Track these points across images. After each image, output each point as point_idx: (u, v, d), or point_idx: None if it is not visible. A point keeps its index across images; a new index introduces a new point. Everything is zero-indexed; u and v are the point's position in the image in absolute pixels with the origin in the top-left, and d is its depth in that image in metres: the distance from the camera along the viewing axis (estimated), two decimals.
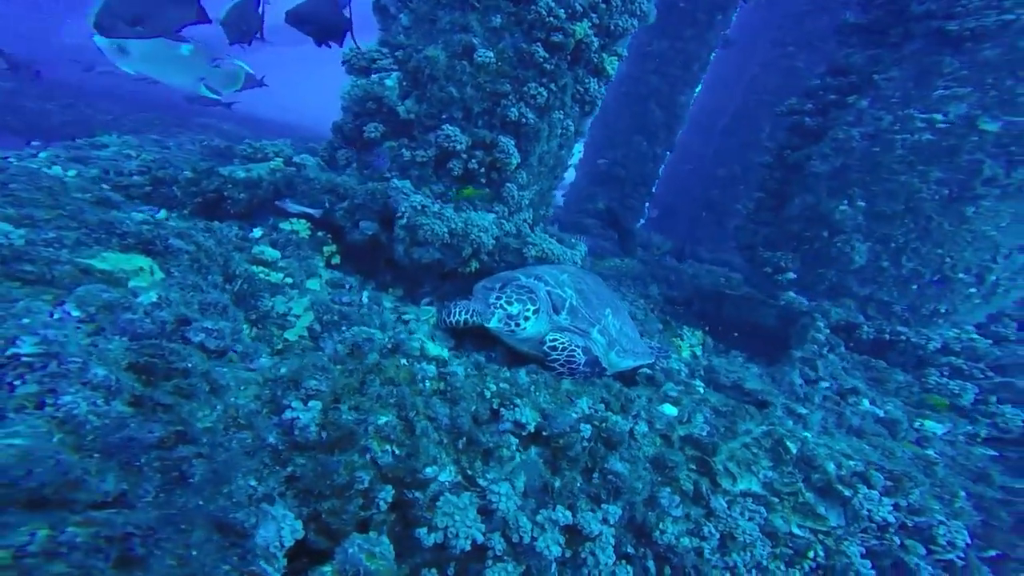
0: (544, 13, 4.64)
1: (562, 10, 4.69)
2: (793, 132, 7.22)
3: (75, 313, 2.44)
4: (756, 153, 11.65)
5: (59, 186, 4.00)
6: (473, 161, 4.94)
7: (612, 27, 5.01)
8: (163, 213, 4.49)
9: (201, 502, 1.93)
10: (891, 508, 3.75)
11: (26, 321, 2.26)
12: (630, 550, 3.27)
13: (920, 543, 3.90)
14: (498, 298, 4.02)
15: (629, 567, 3.19)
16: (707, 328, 6.36)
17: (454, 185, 5.07)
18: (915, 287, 6.38)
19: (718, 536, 3.32)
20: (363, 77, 5.36)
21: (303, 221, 5.03)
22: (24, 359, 1.94)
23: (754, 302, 6.39)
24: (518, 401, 3.40)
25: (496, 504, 2.94)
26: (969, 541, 3.97)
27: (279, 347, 3.56)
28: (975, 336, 6.46)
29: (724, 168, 11.62)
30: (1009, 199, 6.41)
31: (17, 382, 1.87)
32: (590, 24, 4.84)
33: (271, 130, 15.84)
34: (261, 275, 4.02)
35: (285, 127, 16.18)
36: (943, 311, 6.49)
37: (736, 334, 6.47)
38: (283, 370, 3.19)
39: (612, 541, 3.12)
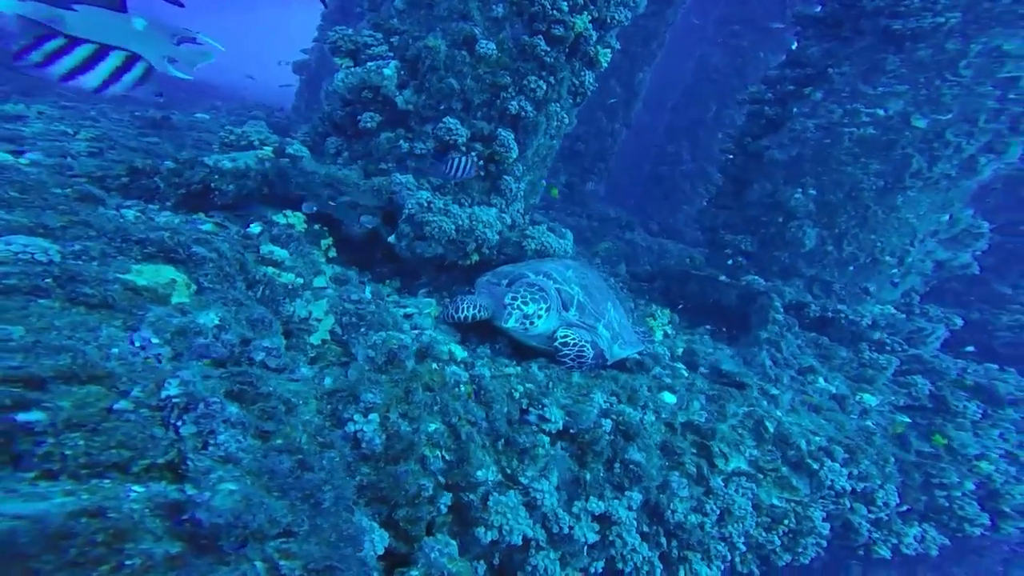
0: (548, 5, 4.64)
1: (564, 2, 4.70)
2: (753, 120, 7.68)
3: (155, 340, 2.41)
4: (704, 131, 12.22)
5: (33, 181, 3.66)
6: (472, 154, 4.95)
7: (608, 19, 5.09)
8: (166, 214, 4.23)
9: (329, 524, 2.05)
10: (847, 477, 4.43)
11: (115, 351, 2.23)
12: (646, 528, 3.70)
13: (863, 505, 4.66)
14: (513, 298, 4.19)
15: (645, 543, 3.62)
16: (678, 306, 6.87)
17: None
18: (851, 268, 7.19)
19: (718, 512, 3.82)
20: (348, 60, 5.15)
21: (299, 214, 4.88)
22: (175, 401, 1.98)
23: (716, 282, 6.95)
24: (545, 401, 3.66)
25: (540, 500, 3.23)
26: (898, 501, 4.79)
27: (312, 355, 3.56)
28: (894, 311, 7.41)
29: (673, 145, 12.11)
30: (928, 190, 7.25)
31: (179, 423, 1.93)
32: (589, 17, 4.89)
33: (206, 93, 14.48)
34: (276, 278, 3.94)
35: (224, 88, 14.88)
36: (871, 290, 7.37)
37: (701, 311, 7.04)
38: (328, 381, 3.25)
39: (635, 524, 3.53)
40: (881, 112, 7.14)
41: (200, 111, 11.25)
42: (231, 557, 1.65)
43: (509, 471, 3.41)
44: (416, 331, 4.11)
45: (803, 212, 7.03)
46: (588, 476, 3.52)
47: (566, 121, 5.36)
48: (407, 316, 4.76)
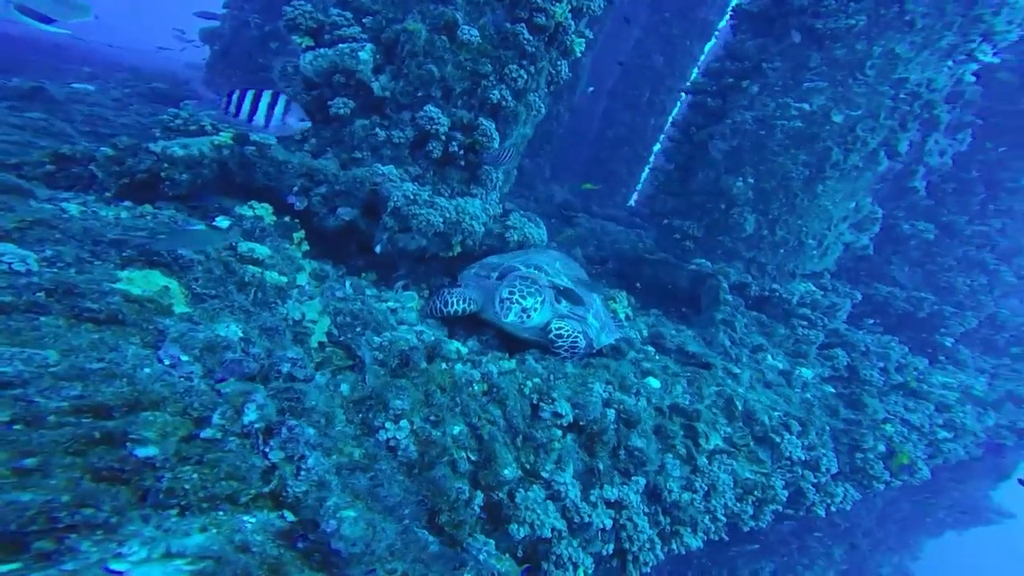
0: None
1: None
2: (696, 111, 8.09)
3: (184, 357, 2.20)
4: (639, 116, 12.65)
5: None
6: (453, 143, 4.83)
7: (583, 8, 5.12)
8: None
9: (413, 539, 2.03)
10: (800, 447, 4.96)
11: (148, 371, 2.02)
12: (647, 509, 3.95)
13: (810, 472, 5.24)
14: (511, 292, 4.20)
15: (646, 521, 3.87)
16: (637, 286, 7.21)
17: (432, 168, 4.93)
18: (782, 251, 7.90)
19: (705, 488, 4.16)
20: (308, 39, 4.79)
21: (266, 206, 4.52)
22: (256, 426, 1.85)
23: (669, 265, 7.36)
24: (555, 395, 3.76)
25: (564, 492, 3.35)
26: (837, 467, 5.44)
27: (318, 360, 3.37)
28: (814, 289, 8.27)
29: (612, 129, 12.44)
30: (843, 180, 8.08)
31: (267, 449, 1.87)
32: (569, 6, 4.89)
33: (68, 57, 12.65)
34: (264, 278, 3.65)
35: (91, 55, 13.08)
36: (796, 270, 8.16)
37: (652, 293, 7.44)
38: (344, 388, 3.13)
39: (642, 507, 3.76)
40: (807, 107, 7.79)
41: (74, 81, 9.77)
42: None
43: (528, 466, 3.48)
44: (416, 329, 4.02)
45: (743, 199, 7.59)
46: (601, 465, 3.68)
47: (542, 111, 5.36)
48: (392, 311, 4.63)
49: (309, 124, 3.51)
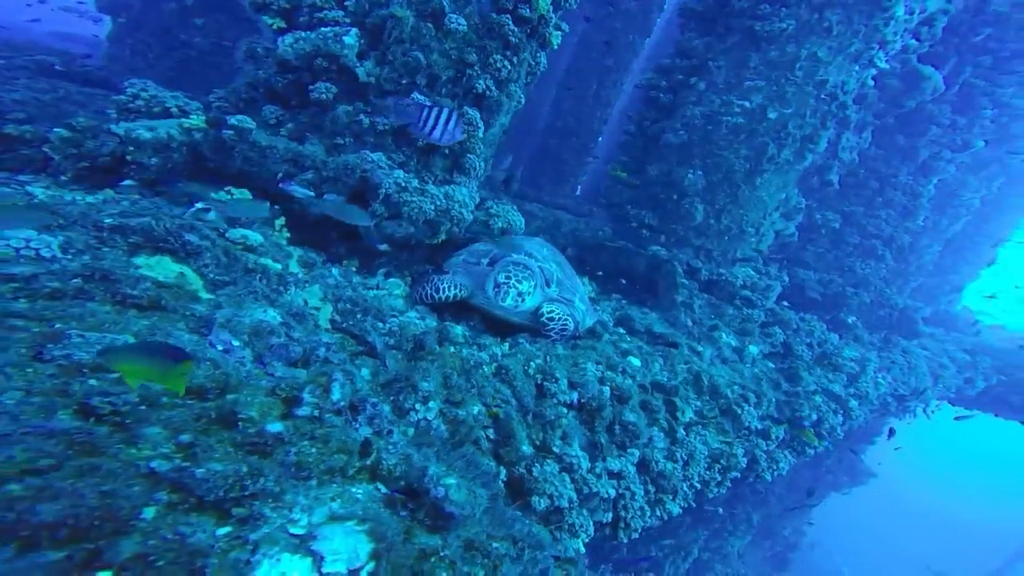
0: None
1: None
2: (649, 105, 8.50)
3: (236, 343, 2.18)
4: (587, 107, 13.00)
5: None
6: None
7: (561, 2, 5.26)
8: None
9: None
10: (756, 418, 5.48)
11: (212, 355, 1.99)
12: (639, 478, 4.26)
13: (763, 440, 5.79)
14: (507, 278, 4.33)
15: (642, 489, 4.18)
16: (597, 273, 7.53)
17: (416, 155, 4.92)
18: (726, 238, 8.53)
19: (685, 459, 4.53)
20: (279, 20, 4.62)
21: (245, 191, 4.33)
22: (341, 404, 1.89)
23: (627, 252, 7.75)
24: (557, 375, 3.95)
25: (576, 464, 3.57)
26: (784, 435, 6.05)
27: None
28: (752, 272, 9.01)
29: (561, 120, 12.70)
30: (777, 173, 8.81)
31: (356, 425, 1.94)
32: (550, 1, 5.02)
33: None
34: (268, 265, 3.54)
35: None
36: (737, 256, 8.85)
37: (610, 278, 7.82)
38: (365, 372, 3.15)
39: (637, 477, 4.06)
40: (747, 104, 8.40)
41: None
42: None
43: (538, 442, 3.66)
44: (417, 315, 4.05)
45: (693, 190, 8.11)
46: (604, 439, 3.92)
47: (522, 101, 5.47)
48: (378, 298, 4.61)
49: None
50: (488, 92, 4.96)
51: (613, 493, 3.79)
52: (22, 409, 1.39)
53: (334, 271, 4.51)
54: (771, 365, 7.19)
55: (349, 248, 4.99)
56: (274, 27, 4.77)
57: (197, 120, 4.25)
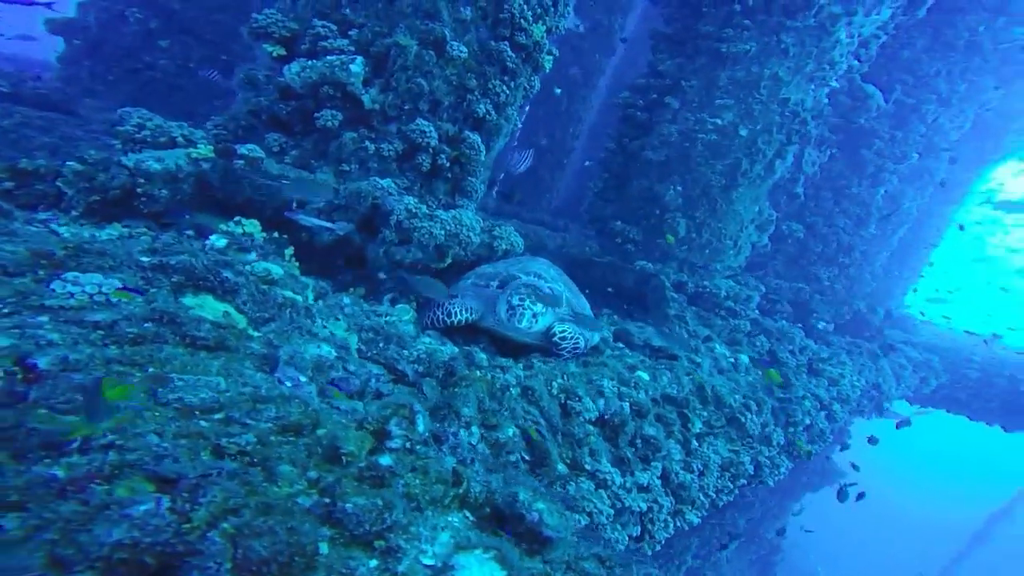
0: (517, 14, 4.80)
1: (529, 12, 4.90)
2: (626, 123, 8.78)
3: (303, 379, 2.15)
4: (560, 123, 13.30)
5: None
6: (442, 156, 4.90)
7: (553, 28, 5.43)
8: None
9: None
10: (758, 425, 5.65)
11: (284, 391, 1.97)
12: (663, 490, 4.32)
13: (764, 447, 5.96)
14: (521, 299, 4.38)
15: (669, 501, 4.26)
16: (585, 290, 7.64)
17: (419, 180, 4.94)
18: (707, 251, 8.83)
19: (700, 468, 4.63)
20: (280, 48, 4.63)
21: (254, 221, 4.26)
22: (425, 435, 1.91)
23: (615, 267, 7.92)
24: (580, 393, 4.00)
25: (610, 481, 3.61)
26: (784, 440, 6.24)
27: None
28: (733, 284, 9.33)
29: (536, 136, 12.93)
30: (751, 187, 9.21)
31: (441, 455, 1.91)
32: (544, 27, 5.17)
33: None
34: (296, 299, 3.48)
35: None
36: (717, 268, 9.16)
37: (599, 293, 7.95)
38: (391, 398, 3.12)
39: (663, 489, 4.13)
40: (719, 121, 8.78)
41: None
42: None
43: (568, 460, 3.68)
44: (438, 341, 4.04)
45: (675, 206, 8.38)
46: (628, 453, 3.98)
47: (518, 124, 5.58)
48: (390, 324, 4.58)
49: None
50: (488, 116, 5.05)
51: (644, 507, 3.84)
52: (178, 451, 1.36)
53: (345, 300, 4.45)
54: (760, 373, 7.42)
55: (355, 275, 4.94)
56: (274, 55, 4.75)
57: (205, 149, 4.17)
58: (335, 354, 2.54)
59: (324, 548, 1.30)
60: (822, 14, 8.39)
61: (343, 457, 1.63)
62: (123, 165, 3.79)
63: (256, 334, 2.53)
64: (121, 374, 1.63)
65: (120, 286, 2.12)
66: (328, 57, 4.42)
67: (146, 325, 1.95)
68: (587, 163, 13.65)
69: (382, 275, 4.95)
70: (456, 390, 3.25)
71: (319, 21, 4.50)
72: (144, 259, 2.63)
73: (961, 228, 17.77)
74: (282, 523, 1.26)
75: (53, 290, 1.93)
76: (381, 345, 3.84)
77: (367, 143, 4.64)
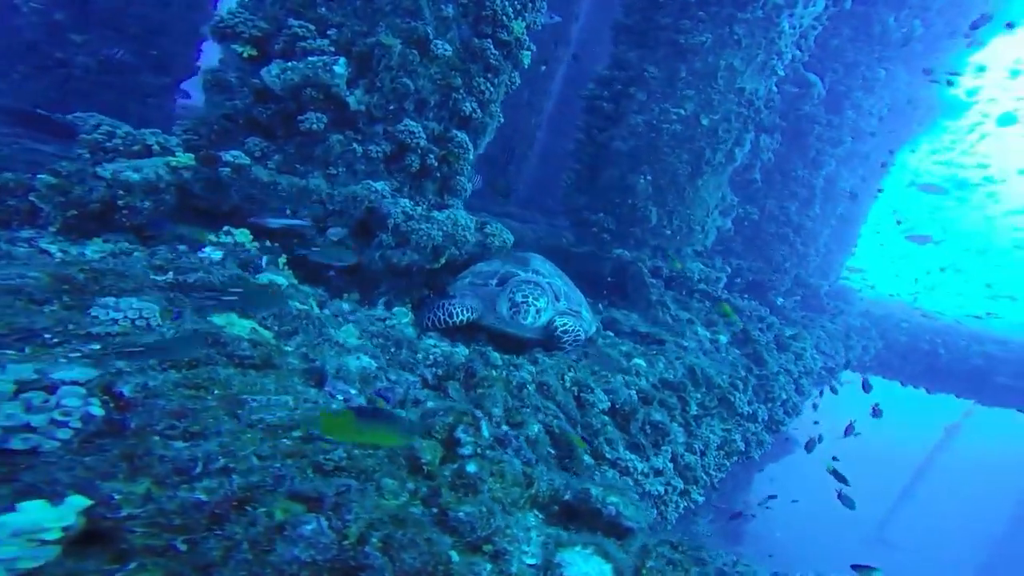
0: (499, 11, 4.78)
1: (510, 8, 4.89)
2: (593, 114, 8.90)
3: (352, 391, 2.11)
4: (522, 115, 13.30)
5: None
6: (431, 156, 4.84)
7: (531, 24, 5.43)
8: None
9: None
10: (745, 403, 5.90)
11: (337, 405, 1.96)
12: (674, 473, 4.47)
13: (751, 424, 6.23)
14: (524, 297, 4.41)
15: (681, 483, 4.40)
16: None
17: (408, 180, 4.87)
18: (678, 237, 9.09)
19: (701, 449, 4.81)
20: (250, 48, 4.44)
21: (245, 231, 4.09)
22: (491, 441, 2.02)
23: (594, 256, 8.04)
24: (592, 384, 4.07)
25: (632, 467, 3.70)
26: (767, 416, 6.55)
27: None
28: (703, 266, 9.66)
29: (502, 128, 12.89)
30: (714, 174, 9.52)
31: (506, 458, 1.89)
32: (524, 23, 5.18)
33: None
34: (310, 309, 3.37)
35: None
36: (689, 252, 9.45)
37: (578, 282, 8.07)
38: (430, 404, 3.09)
39: (674, 473, 4.26)
40: (682, 111, 9.01)
41: None
42: None
43: (588, 451, 3.75)
44: (450, 343, 4.01)
45: (645, 195, 8.58)
46: (642, 440, 4.08)
47: (501, 120, 5.57)
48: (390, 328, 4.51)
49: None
50: (474, 114, 5.02)
51: (662, 490, 3.96)
52: (289, 472, 1.32)
53: (344, 306, 4.36)
54: (737, 351, 7.74)
55: (347, 280, 4.83)
56: (244, 55, 4.55)
57: (184, 158, 3.96)
58: (375, 364, 2.49)
59: (455, 556, 1.32)
60: (768, 5, 8.72)
61: (424, 466, 1.65)
62: (100, 177, 3.56)
63: (289, 348, 2.45)
64: (193, 398, 1.56)
65: (158, 309, 2.01)
66: (310, 58, 4.27)
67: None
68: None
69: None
70: (481, 391, 3.25)
71: (295, 21, 4.34)
72: (158, 278, 2.49)
73: (899, 223, 18.90)
74: (418, 535, 1.27)
75: (96, 317, 1.81)
76: (393, 350, 3.78)
77: (354, 145, 4.53)
